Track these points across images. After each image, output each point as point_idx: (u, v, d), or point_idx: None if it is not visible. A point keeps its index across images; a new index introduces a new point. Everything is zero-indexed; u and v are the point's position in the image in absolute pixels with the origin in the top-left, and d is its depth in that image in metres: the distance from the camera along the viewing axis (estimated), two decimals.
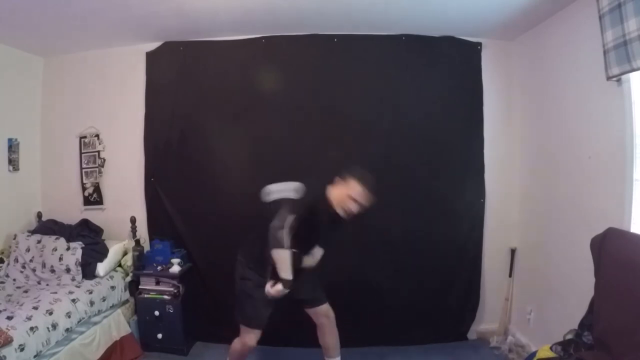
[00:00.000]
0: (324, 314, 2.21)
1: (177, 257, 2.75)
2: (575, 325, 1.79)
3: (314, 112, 2.83)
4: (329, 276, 2.29)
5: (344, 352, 2.29)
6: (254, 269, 2.05)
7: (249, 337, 2.05)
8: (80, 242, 2.70)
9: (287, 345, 2.76)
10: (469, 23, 2.62)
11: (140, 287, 2.74)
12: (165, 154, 2.95)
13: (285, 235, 1.78)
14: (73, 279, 2.58)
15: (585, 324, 1.72)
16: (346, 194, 1.91)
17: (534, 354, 1.84)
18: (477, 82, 2.87)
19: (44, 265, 2.63)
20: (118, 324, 2.62)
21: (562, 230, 2.36)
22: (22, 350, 1.86)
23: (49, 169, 3.18)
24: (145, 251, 2.87)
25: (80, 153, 3.11)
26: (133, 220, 2.90)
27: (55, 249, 2.66)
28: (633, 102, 1.83)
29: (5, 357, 1.78)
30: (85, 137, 3.10)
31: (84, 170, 3.11)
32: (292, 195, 1.92)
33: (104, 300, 2.55)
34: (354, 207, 1.91)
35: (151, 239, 2.97)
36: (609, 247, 1.68)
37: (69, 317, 2.23)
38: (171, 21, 2.59)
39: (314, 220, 1.93)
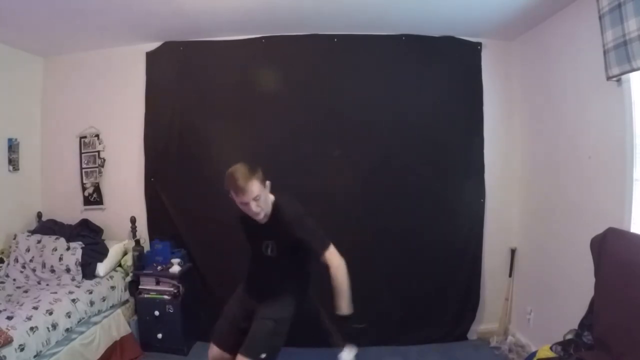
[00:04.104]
0: None
1: (177, 257, 2.75)
2: (575, 325, 1.79)
3: (314, 112, 2.83)
4: (328, 276, 2.28)
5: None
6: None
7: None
8: (80, 242, 2.70)
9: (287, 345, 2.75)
10: (469, 23, 2.62)
11: (140, 287, 2.74)
12: (165, 154, 2.95)
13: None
14: (73, 279, 2.58)
15: (585, 324, 1.72)
16: (239, 206, 1.78)
17: (534, 354, 1.84)
18: (477, 82, 2.87)
19: (44, 265, 2.63)
20: (118, 324, 2.63)
21: (562, 230, 2.36)
22: (22, 350, 1.86)
23: (49, 169, 3.18)
24: (145, 251, 2.87)
25: (80, 153, 3.11)
26: (133, 220, 2.90)
27: (55, 249, 2.66)
28: (633, 102, 1.83)
29: (5, 357, 1.78)
30: (85, 137, 3.10)
31: (84, 170, 3.11)
32: None
33: (104, 300, 2.55)
34: (247, 210, 1.77)
35: (151, 239, 2.97)
36: (609, 247, 1.68)
37: (69, 317, 2.23)
38: (171, 21, 2.59)
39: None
